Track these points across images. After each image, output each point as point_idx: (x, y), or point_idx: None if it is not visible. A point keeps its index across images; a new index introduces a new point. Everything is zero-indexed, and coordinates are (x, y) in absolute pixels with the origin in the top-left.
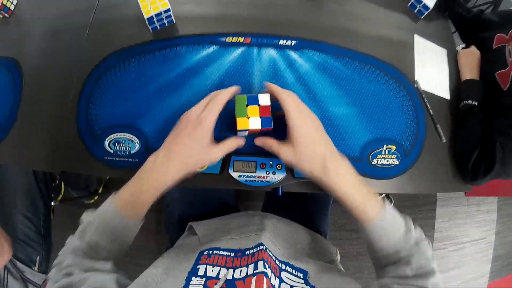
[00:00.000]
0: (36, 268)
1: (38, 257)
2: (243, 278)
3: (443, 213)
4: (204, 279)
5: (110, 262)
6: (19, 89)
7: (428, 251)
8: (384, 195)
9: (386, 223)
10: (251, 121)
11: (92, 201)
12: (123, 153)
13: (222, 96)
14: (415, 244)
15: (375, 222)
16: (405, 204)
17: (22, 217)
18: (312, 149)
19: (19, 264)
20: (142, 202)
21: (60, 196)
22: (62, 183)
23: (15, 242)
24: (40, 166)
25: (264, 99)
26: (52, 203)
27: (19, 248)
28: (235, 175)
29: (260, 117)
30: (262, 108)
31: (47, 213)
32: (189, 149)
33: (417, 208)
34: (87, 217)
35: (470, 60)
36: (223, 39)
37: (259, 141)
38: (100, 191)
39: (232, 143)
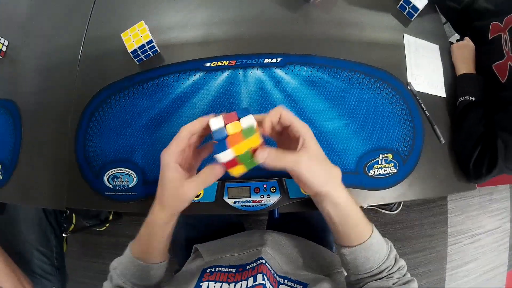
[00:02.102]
0: None
1: None
2: None
3: (455, 207)
4: None
5: None
6: (19, 129)
7: (403, 263)
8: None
9: (376, 242)
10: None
11: (104, 228)
12: (122, 187)
13: (183, 131)
14: (396, 261)
15: (368, 241)
16: (416, 201)
17: (36, 251)
18: (325, 166)
19: None
20: (154, 247)
21: (72, 226)
22: (73, 214)
23: (32, 277)
24: (46, 204)
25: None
26: (64, 234)
27: (36, 282)
28: (230, 201)
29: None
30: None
31: (60, 245)
32: (163, 193)
33: (428, 204)
34: (114, 263)
35: (464, 53)
36: (208, 64)
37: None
38: (110, 218)
39: (208, 175)
